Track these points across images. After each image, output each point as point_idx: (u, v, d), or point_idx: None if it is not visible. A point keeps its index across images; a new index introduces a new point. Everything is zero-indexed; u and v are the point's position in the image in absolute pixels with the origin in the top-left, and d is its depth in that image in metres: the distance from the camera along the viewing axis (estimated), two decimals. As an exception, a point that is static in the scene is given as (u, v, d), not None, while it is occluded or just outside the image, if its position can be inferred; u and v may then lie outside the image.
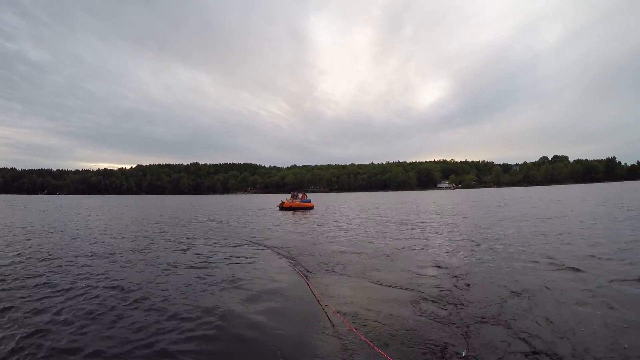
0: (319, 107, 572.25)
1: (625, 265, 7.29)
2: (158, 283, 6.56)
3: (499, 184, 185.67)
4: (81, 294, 5.85)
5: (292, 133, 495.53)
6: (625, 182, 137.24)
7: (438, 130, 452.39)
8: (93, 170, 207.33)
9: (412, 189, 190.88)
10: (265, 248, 10.68)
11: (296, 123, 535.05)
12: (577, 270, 7.04)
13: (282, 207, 30.13)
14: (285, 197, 40.88)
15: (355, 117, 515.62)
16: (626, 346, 3.84)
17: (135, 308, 5.22)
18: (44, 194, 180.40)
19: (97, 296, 5.76)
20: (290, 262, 8.50)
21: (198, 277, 6.93)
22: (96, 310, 5.09)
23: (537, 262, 7.90)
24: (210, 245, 11.13)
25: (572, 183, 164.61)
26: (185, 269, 7.74)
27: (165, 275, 7.19)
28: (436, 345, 4.05)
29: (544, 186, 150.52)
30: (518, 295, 5.65)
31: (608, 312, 4.84)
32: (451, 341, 4.14)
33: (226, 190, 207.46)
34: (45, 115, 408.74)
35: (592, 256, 8.19)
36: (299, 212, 27.37)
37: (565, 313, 4.86)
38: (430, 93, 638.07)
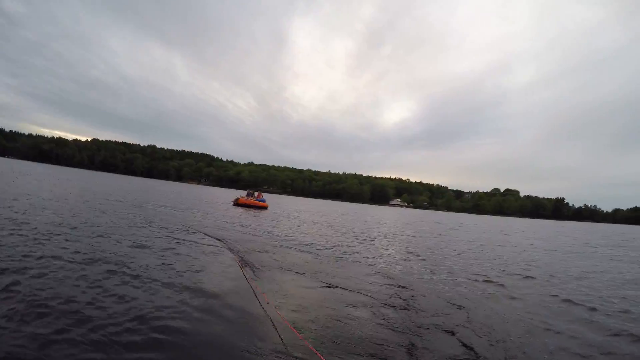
0: (286, 109, 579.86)
1: (550, 286, 8.74)
2: (121, 266, 6.60)
3: (449, 208, 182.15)
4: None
5: (254, 130, 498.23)
6: (570, 222, 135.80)
7: (398, 149, 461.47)
8: (47, 137, 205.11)
9: (364, 202, 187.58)
10: (217, 241, 10.81)
11: (261, 121, 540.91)
12: (507, 287, 8.27)
13: (237, 203, 30.98)
14: (240, 194, 41.39)
15: (320, 124, 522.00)
16: (547, 344, 4.96)
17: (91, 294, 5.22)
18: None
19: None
20: (240, 259, 8.46)
21: (152, 268, 6.81)
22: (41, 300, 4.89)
23: (476, 280, 8.99)
24: (165, 236, 10.84)
25: (519, 217, 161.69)
26: (143, 257, 7.54)
27: (122, 261, 7.05)
28: (380, 350, 4.24)
29: (492, 216, 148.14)
30: (458, 307, 6.34)
31: (533, 321, 5.84)
32: (396, 346, 4.38)
33: (179, 178, 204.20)
34: (8, 71, 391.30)
35: (528, 277, 9.69)
36: (253, 210, 27.96)
37: (498, 322, 5.70)
38: (397, 112, 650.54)
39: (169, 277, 6.16)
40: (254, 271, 7.24)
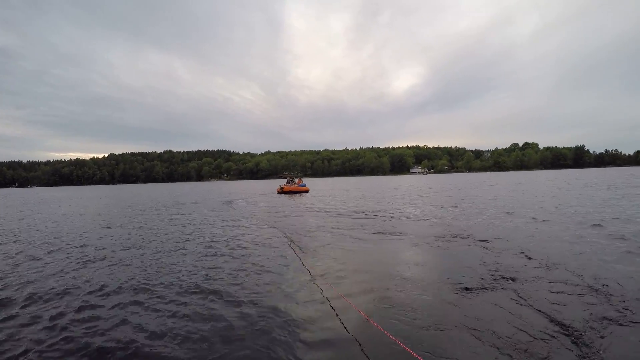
0: (293, 93, 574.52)
1: (577, 216, 11.10)
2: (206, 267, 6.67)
3: (470, 169, 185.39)
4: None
5: (265, 119, 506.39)
6: (592, 169, 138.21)
7: (412, 117, 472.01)
8: (65, 161, 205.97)
9: (385, 173, 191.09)
10: (277, 230, 10.90)
11: (270, 109, 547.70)
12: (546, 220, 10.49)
13: (283, 191, 32.27)
14: (280, 183, 45.03)
15: (330, 103, 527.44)
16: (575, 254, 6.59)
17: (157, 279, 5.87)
18: (15, 187, 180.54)
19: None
20: (295, 245, 8.59)
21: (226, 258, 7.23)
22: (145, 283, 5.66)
23: (504, 214, 12.21)
24: (231, 227, 11.67)
25: (541, 169, 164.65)
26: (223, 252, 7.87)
27: (205, 259, 7.28)
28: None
29: (513, 172, 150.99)
30: (501, 237, 8.30)
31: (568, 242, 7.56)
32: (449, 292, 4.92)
33: (200, 177, 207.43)
34: (14, 103, 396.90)
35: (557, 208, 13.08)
36: (296, 196, 29.25)
37: (534, 241, 7.68)
38: (405, 79, 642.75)
39: (249, 272, 6.16)
40: (309, 255, 7.31)
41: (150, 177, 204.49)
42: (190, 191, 48.54)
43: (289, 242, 8.73)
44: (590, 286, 4.78)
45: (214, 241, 9.09)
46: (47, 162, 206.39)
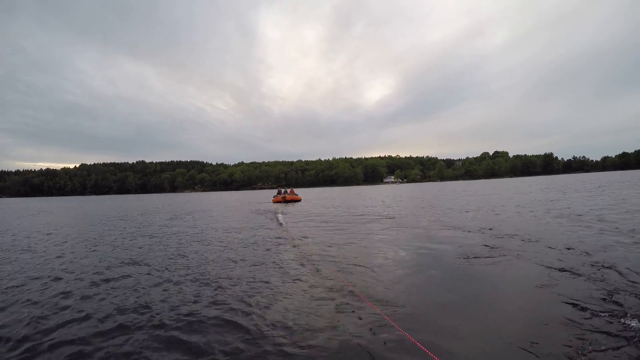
0: (266, 103, 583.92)
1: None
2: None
3: (442, 178, 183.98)
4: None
5: (238, 129, 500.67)
6: (560, 175, 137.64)
7: (384, 127, 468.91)
8: (35, 171, 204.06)
9: (358, 183, 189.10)
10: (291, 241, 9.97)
11: (243, 119, 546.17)
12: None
13: (285, 200, 33.48)
14: (269, 193, 50.47)
15: (303, 113, 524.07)
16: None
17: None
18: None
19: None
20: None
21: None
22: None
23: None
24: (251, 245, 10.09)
25: (511, 177, 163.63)
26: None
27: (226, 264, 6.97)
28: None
29: (484, 180, 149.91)
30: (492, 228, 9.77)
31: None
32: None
33: (173, 188, 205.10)
34: None
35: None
36: (290, 204, 30.29)
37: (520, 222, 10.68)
38: (377, 90, 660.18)
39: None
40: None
41: (123, 188, 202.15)
42: (195, 202, 45.11)
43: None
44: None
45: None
46: (17, 172, 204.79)
